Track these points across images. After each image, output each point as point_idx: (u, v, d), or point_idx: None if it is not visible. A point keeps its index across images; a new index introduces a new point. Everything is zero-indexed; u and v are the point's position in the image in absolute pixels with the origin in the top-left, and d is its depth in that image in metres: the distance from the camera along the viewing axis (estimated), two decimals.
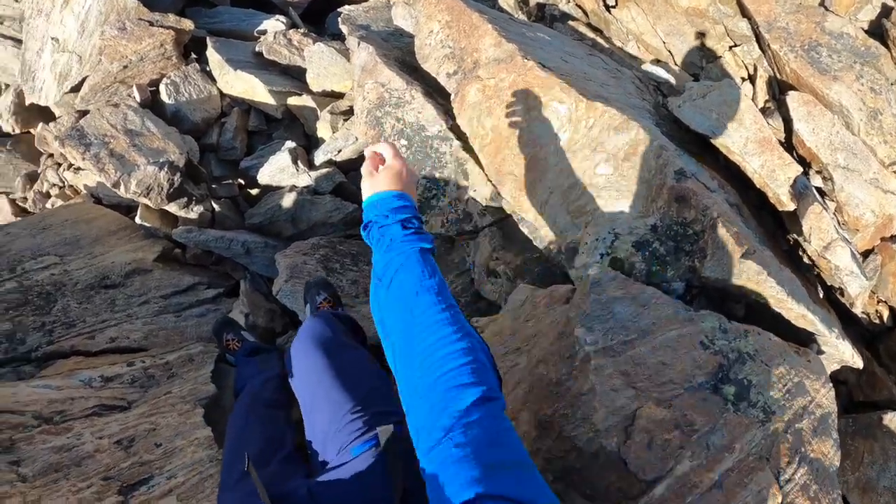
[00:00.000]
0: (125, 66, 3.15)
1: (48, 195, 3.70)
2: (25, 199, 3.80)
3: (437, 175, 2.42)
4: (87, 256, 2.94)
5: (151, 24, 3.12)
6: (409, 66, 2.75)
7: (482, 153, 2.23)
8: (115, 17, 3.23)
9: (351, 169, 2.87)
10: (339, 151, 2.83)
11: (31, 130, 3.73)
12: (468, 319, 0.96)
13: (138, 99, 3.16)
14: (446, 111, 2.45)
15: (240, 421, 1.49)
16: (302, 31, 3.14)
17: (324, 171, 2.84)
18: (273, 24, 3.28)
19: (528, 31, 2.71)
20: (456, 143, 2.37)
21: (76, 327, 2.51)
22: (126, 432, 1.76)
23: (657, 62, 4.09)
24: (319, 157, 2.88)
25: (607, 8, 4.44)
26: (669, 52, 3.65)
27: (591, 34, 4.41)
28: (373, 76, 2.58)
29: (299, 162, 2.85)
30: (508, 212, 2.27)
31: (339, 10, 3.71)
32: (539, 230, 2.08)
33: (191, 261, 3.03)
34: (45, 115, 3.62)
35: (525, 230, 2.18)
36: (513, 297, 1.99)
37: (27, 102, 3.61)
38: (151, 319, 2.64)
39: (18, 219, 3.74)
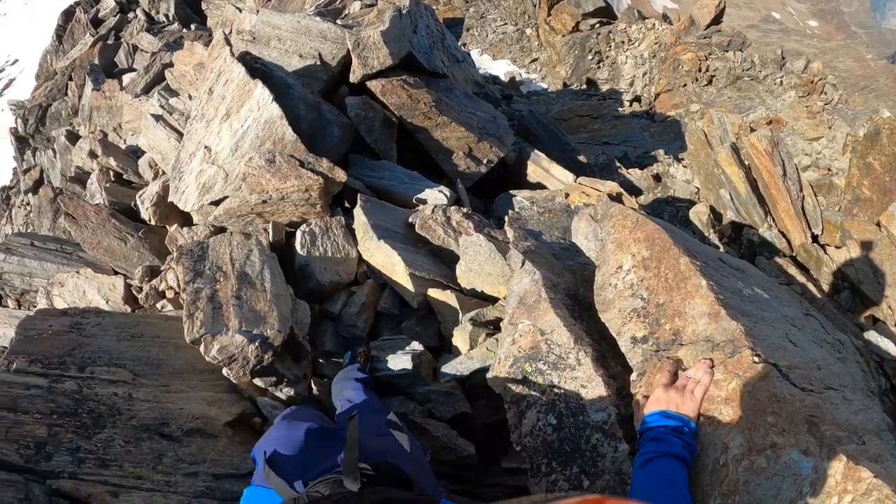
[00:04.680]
0: (264, 201, 2.89)
1: (163, 295, 3.52)
2: (141, 289, 3.66)
3: (585, 483, 1.78)
4: (160, 388, 2.59)
5: (302, 164, 2.84)
6: (581, 302, 2.18)
7: None
8: (270, 147, 3.02)
9: (481, 396, 2.33)
10: (471, 374, 2.32)
11: (167, 226, 3.62)
12: None
13: (271, 238, 2.87)
14: (620, 392, 1.84)
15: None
16: (465, 210, 2.69)
17: (447, 387, 2.33)
18: (434, 196, 2.87)
19: (742, 284, 2.05)
20: (624, 446, 1.74)
21: (108, 471, 2.16)
22: None
23: (880, 324, 3.22)
24: (447, 371, 2.37)
25: (821, 245, 3.65)
26: (890, 308, 2.82)
27: (799, 277, 3.61)
28: (531, 316, 2.02)
29: (421, 371, 2.36)
30: None
31: (511, 192, 3.27)
32: None
33: None
34: (186, 217, 3.49)
35: None
36: None
37: (169, 199, 3.51)
38: (189, 501, 2.22)
39: (125, 307, 3.59)
